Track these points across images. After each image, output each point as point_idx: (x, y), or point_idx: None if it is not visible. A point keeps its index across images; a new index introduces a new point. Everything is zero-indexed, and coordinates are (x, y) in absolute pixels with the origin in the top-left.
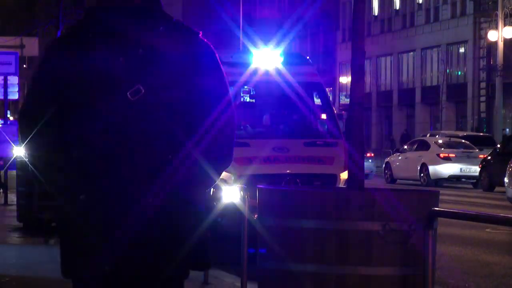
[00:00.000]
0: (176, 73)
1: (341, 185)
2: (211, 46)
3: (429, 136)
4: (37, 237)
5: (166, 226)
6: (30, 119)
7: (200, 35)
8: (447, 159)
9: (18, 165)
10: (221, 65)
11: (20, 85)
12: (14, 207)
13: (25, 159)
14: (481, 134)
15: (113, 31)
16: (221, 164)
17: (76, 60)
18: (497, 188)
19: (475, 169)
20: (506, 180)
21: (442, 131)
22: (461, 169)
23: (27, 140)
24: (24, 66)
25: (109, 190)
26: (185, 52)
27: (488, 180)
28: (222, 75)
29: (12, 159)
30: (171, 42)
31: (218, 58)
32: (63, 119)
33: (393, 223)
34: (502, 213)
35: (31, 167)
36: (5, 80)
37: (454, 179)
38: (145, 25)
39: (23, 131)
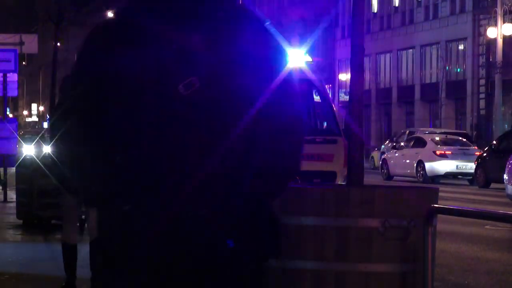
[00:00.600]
0: (237, 65)
1: (341, 182)
2: (277, 36)
3: (408, 133)
4: (36, 235)
5: (223, 244)
6: (65, 114)
7: (267, 23)
8: (443, 156)
9: (18, 162)
10: (287, 59)
11: (19, 82)
12: (14, 204)
13: (48, 159)
14: (458, 131)
15: (163, 16)
16: (285, 175)
17: (121, 49)
18: (493, 185)
19: (471, 166)
20: (505, 177)
21: (421, 128)
22: (457, 166)
23: (59, 139)
24: (24, 63)
25: (158, 200)
26: (249, 41)
27: (484, 176)
28: (291, 72)
29: (21, 157)
30: (233, 29)
31: (285, 51)
32: (104, 117)
33: (393, 220)
34: (501, 210)
35: (61, 171)
36: (5, 77)
37: (451, 176)
38: (202, 8)
39: (55, 127)
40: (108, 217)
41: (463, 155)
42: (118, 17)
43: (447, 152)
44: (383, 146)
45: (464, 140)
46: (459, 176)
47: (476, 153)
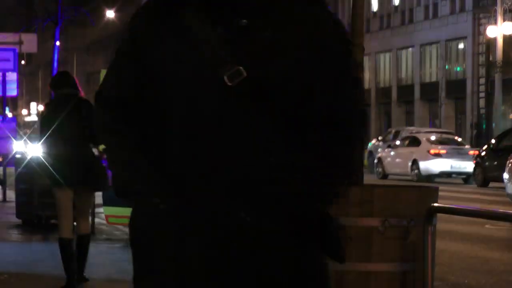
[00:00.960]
0: (290, 52)
1: None
2: (337, 18)
3: (394, 132)
4: (36, 234)
5: (267, 253)
6: (107, 104)
7: (323, 2)
8: (438, 156)
9: (17, 161)
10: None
11: (19, 82)
12: (13, 204)
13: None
14: (443, 130)
15: None
16: (340, 177)
17: (162, 33)
18: (491, 184)
19: (465, 165)
20: (506, 176)
21: (407, 128)
22: (451, 165)
23: (102, 131)
24: (23, 62)
25: (197, 199)
26: (303, 25)
27: (483, 176)
28: (352, 60)
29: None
30: (284, 11)
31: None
32: (144, 109)
33: (393, 219)
34: (501, 209)
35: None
36: (4, 76)
37: (445, 175)
38: None
39: (100, 118)
40: (143, 214)
41: (457, 155)
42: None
43: (441, 151)
44: (370, 144)
45: (458, 139)
46: (453, 175)
47: (470, 152)
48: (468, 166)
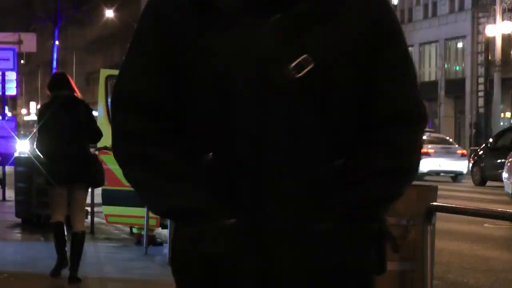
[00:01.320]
0: (355, 41)
1: None
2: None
3: None
4: (35, 233)
5: (331, 260)
6: (144, 113)
7: None
8: (426, 155)
9: (16, 160)
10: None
11: (18, 81)
12: (13, 203)
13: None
14: (431, 129)
15: None
16: (404, 173)
17: (205, 27)
18: (489, 183)
19: (453, 164)
20: (505, 175)
21: None
22: (439, 164)
23: (131, 136)
24: (22, 61)
25: (256, 214)
26: (362, 7)
27: (480, 174)
28: (408, 50)
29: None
30: None
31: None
32: (184, 107)
33: (392, 219)
34: (499, 208)
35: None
36: (3, 75)
37: (434, 174)
38: None
39: (127, 125)
40: (193, 234)
41: (445, 154)
42: None
43: (429, 150)
44: None
45: (449, 139)
46: (442, 174)
47: (458, 151)
48: (456, 165)
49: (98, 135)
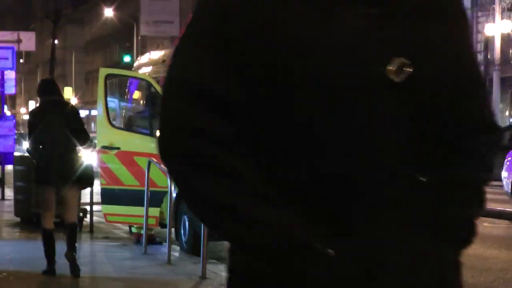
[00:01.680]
0: (452, 41)
1: None
2: None
3: None
4: (34, 232)
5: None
6: (222, 113)
7: None
8: None
9: (15, 159)
10: None
11: (17, 80)
12: (12, 202)
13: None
14: None
15: None
16: (482, 184)
17: (290, 19)
18: None
19: None
20: (503, 174)
21: None
22: None
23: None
24: (21, 60)
25: (366, 236)
26: (457, 8)
27: None
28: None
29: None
30: None
31: None
32: (263, 109)
33: None
34: (498, 207)
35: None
36: (2, 74)
37: None
38: None
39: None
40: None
41: None
42: None
43: None
44: None
45: None
46: None
47: None
48: None
49: (86, 136)
